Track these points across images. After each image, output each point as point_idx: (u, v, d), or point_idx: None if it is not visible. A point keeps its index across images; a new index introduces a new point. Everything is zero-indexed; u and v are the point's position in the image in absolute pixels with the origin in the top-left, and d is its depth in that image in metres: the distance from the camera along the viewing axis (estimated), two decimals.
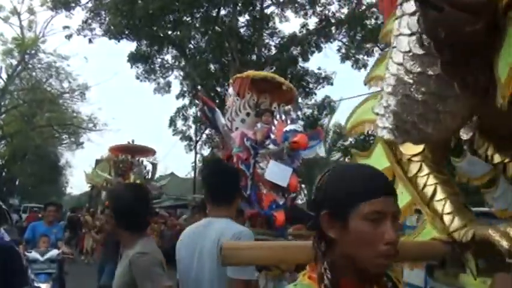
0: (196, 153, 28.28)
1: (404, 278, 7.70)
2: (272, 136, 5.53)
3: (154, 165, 14.49)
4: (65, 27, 22.66)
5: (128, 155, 13.64)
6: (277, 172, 5.30)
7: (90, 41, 21.11)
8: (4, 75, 28.40)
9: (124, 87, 61.23)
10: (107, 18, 19.47)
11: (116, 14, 18.05)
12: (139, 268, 2.61)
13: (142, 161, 14.04)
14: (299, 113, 17.56)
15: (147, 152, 14.16)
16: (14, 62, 28.44)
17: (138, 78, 23.88)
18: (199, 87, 19.22)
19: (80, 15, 25.14)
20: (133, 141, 13.71)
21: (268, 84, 6.35)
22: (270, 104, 6.34)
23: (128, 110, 79.52)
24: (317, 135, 6.22)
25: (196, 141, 25.19)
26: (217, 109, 5.98)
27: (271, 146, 5.48)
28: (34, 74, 30.86)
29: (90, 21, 20.64)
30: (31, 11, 27.72)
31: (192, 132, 25.16)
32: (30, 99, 29.70)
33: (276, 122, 5.64)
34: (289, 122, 5.60)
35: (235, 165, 5.60)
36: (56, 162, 48.57)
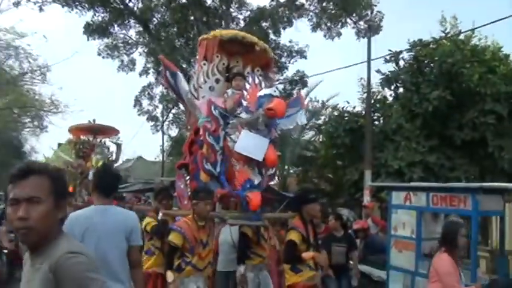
0: (163, 134, 27.35)
1: (394, 262, 7.19)
2: (244, 103, 4.69)
3: (118, 146, 13.52)
4: None
5: (89, 136, 12.66)
6: (251, 144, 4.49)
7: (40, 9, 19.54)
8: None
9: (86, 65, 59.69)
10: None
11: None
12: (70, 275, 1.78)
13: (105, 142, 13.06)
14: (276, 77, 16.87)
15: (110, 131, 13.13)
16: None
17: (100, 54, 22.83)
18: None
19: None
20: (94, 120, 12.62)
21: (240, 46, 5.52)
22: (242, 68, 5.52)
23: (90, 90, 76.84)
24: (297, 102, 5.37)
25: (163, 121, 24.17)
26: (179, 73, 5.11)
27: (243, 115, 4.63)
28: None
29: None
30: None
31: (158, 112, 24.17)
32: None
33: (248, 87, 4.78)
34: (263, 85, 4.73)
35: (202, 137, 4.78)
36: (20, 147, 46.85)
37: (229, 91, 5.10)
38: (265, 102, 4.45)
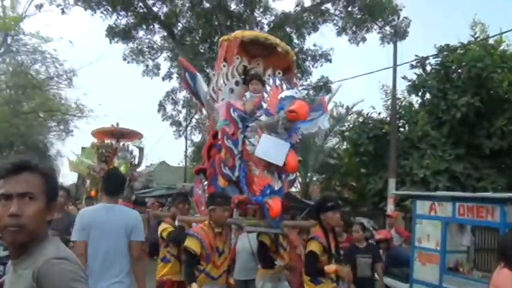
0: (186, 139, 27.34)
1: (418, 275, 6.91)
2: (264, 105, 4.49)
3: (141, 150, 13.47)
4: None
5: (112, 139, 12.65)
6: (271, 148, 4.27)
7: (63, 11, 19.58)
8: None
9: (111, 70, 59.97)
10: None
11: None
12: (53, 284, 1.63)
13: (128, 146, 13.01)
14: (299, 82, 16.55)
15: (133, 135, 13.11)
16: None
17: (125, 59, 22.93)
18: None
19: None
20: (117, 124, 12.59)
21: (261, 48, 5.37)
22: (263, 70, 5.36)
23: (115, 95, 77.59)
24: (319, 106, 5.18)
25: (186, 126, 24.16)
26: (198, 74, 4.97)
27: (263, 118, 4.44)
28: (19, 58, 29.62)
29: None
30: None
31: (182, 117, 24.17)
32: (13, 85, 28.44)
33: (268, 89, 4.59)
34: (284, 87, 4.54)
35: (220, 141, 4.63)
36: (45, 151, 47.52)
37: (248, 94, 4.93)
38: (286, 104, 4.24)
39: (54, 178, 1.86)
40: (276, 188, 4.38)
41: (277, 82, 4.59)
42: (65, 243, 2.00)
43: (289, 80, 5.36)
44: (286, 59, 5.45)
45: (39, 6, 21.55)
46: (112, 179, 4.51)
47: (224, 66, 5.19)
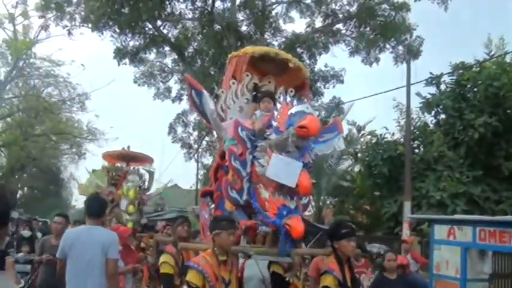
0: (197, 161, 27.11)
1: None
2: (274, 123, 4.18)
3: (151, 174, 13.18)
4: (41, 16, 21.38)
5: (122, 163, 12.45)
6: (282, 168, 3.92)
7: (69, 32, 19.59)
8: None
9: (122, 92, 60.89)
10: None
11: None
12: None
13: (138, 169, 12.78)
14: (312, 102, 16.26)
15: (144, 159, 12.86)
16: (7, 69, 27.44)
17: (136, 82, 22.98)
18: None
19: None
20: (128, 147, 12.38)
21: (272, 65, 5.09)
22: (275, 89, 5.09)
23: (126, 117, 78.01)
24: (334, 127, 4.88)
25: (197, 149, 23.96)
26: (205, 91, 4.70)
27: (273, 137, 4.12)
28: (32, 82, 29.90)
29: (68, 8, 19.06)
30: (25, 15, 26.64)
31: (192, 139, 24.00)
32: (25, 108, 28.63)
33: (279, 106, 4.29)
34: (295, 103, 4.23)
35: (228, 162, 4.31)
36: (58, 174, 47.67)
37: (258, 112, 4.64)
38: (296, 120, 3.91)
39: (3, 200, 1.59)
40: (292, 207, 3.99)
41: (288, 99, 4.27)
42: None
43: (302, 97, 5.08)
44: (299, 76, 5.17)
45: (46, 27, 21.71)
46: (93, 203, 5.16)
47: (233, 83, 4.92)
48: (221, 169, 4.68)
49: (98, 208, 5.10)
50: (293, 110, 4.07)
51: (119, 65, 19.10)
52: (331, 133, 4.82)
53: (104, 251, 4.68)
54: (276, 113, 4.24)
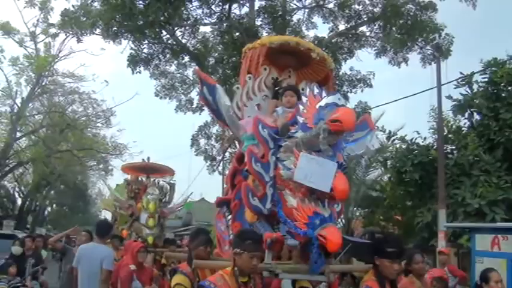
0: (222, 174, 26.70)
1: None
2: (300, 119, 3.58)
3: (172, 186, 12.81)
4: (50, 24, 21.20)
5: (143, 175, 12.11)
6: (313, 170, 3.32)
7: (78, 39, 19.22)
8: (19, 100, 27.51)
9: (144, 106, 61.35)
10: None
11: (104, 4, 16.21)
12: None
13: (158, 182, 12.40)
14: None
15: (165, 171, 12.55)
16: (30, 87, 27.60)
17: (157, 95, 22.79)
18: None
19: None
20: (148, 158, 12.09)
21: (292, 57, 4.57)
22: (296, 84, 4.55)
23: (149, 130, 78.38)
24: (364, 124, 4.30)
25: (221, 161, 23.51)
26: (218, 85, 4.15)
27: (299, 134, 3.53)
28: (56, 99, 30.10)
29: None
30: (46, 32, 26.75)
31: (215, 151, 23.59)
32: (48, 124, 28.73)
33: (305, 100, 3.69)
34: (324, 94, 3.64)
35: (247, 165, 3.74)
36: (84, 190, 47.94)
37: (280, 109, 4.10)
38: (327, 113, 3.34)
39: None
40: (327, 215, 3.40)
41: (316, 90, 3.67)
42: None
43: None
44: (322, 68, 4.63)
45: (55, 36, 21.56)
46: (100, 225, 7.13)
47: (249, 79, 4.41)
48: (239, 174, 4.14)
49: (103, 231, 6.89)
50: (323, 103, 3.47)
51: (133, 73, 18.72)
52: (361, 131, 4.23)
53: (101, 262, 6.34)
54: (301, 107, 3.66)
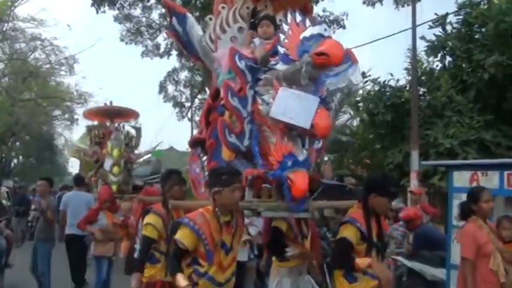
0: (191, 121, 26.41)
1: (457, 259, 5.70)
2: (281, 50, 3.28)
3: (138, 130, 12.30)
4: None
5: (106, 120, 11.60)
6: (292, 105, 3.09)
7: None
8: None
9: (109, 52, 58.93)
10: None
11: None
12: None
13: (123, 126, 11.91)
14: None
15: (128, 114, 11.91)
16: None
17: (123, 40, 22.20)
18: None
19: None
20: (111, 102, 11.51)
21: None
22: (272, 14, 4.23)
23: (115, 78, 76.15)
24: (346, 57, 4.04)
25: (190, 107, 23.18)
26: (189, 14, 3.80)
27: (280, 66, 3.25)
28: (18, 46, 28.86)
29: None
30: None
31: (184, 98, 23.21)
32: (10, 72, 27.65)
33: (286, 28, 3.37)
34: (308, 23, 3.33)
35: (224, 100, 3.46)
36: (51, 141, 46.95)
37: (257, 40, 3.81)
38: (312, 45, 3.06)
39: None
40: (301, 158, 3.18)
41: (298, 18, 3.35)
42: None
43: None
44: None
45: None
46: (78, 178, 9.68)
47: (223, 8, 4.07)
48: (214, 111, 3.85)
49: (80, 181, 9.36)
50: (307, 33, 3.18)
51: (97, 12, 18.02)
52: (342, 65, 3.98)
53: (87, 205, 8.19)
54: (282, 36, 3.35)
